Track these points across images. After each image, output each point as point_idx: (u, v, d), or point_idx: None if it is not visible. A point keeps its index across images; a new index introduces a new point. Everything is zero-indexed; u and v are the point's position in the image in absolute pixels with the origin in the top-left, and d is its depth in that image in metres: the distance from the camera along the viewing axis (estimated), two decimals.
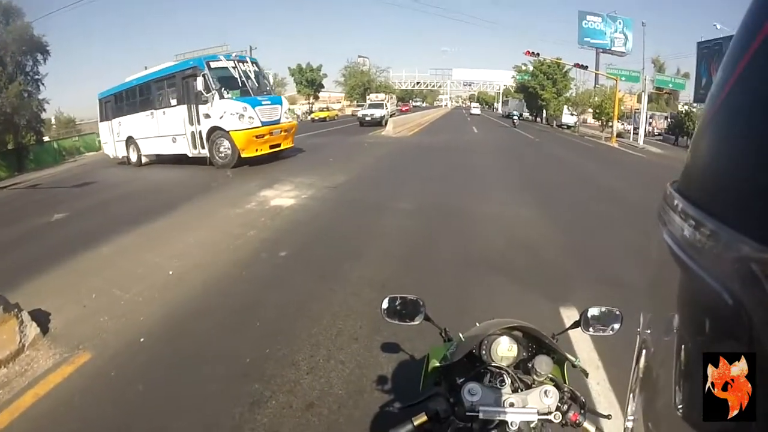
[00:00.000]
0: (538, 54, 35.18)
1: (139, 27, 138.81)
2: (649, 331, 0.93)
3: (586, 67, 31.52)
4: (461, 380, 1.40)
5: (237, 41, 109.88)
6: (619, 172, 14.63)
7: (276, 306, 4.23)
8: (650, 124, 38.84)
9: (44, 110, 37.11)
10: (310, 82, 56.08)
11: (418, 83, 78.67)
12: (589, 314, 1.68)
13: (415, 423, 1.32)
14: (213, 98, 12.41)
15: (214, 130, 12.64)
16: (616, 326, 1.66)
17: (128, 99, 15.73)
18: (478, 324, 1.67)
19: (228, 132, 12.37)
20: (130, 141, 15.78)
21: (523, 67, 52.38)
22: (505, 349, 1.46)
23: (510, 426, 1.27)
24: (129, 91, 15.72)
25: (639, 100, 36.26)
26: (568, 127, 40.06)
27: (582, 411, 1.34)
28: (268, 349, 3.45)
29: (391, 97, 56.10)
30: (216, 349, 3.50)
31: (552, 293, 4.28)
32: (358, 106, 46.05)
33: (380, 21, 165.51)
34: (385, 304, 1.75)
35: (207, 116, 12.62)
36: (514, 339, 1.48)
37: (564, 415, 1.32)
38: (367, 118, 32.36)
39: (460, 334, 1.63)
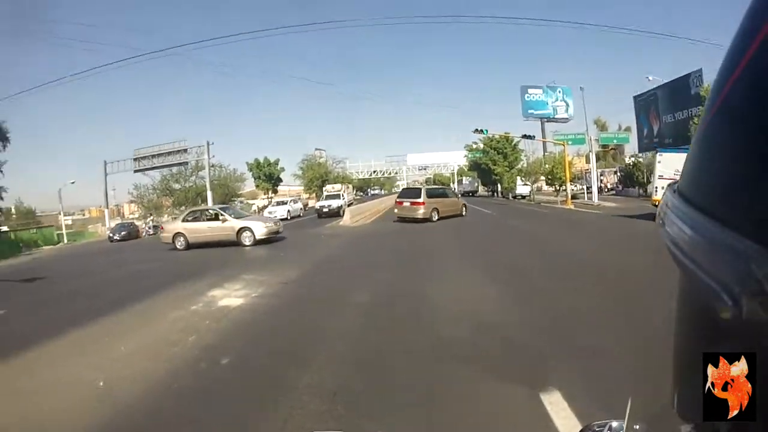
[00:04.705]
0: (482, 131, 36.63)
1: (97, 117, 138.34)
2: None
3: (533, 137, 33.05)
4: None
5: (193, 136, 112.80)
6: (575, 231, 15.65)
7: (210, 426, 3.68)
8: (602, 180, 41.28)
9: (2, 198, 36.40)
10: (268, 177, 55.83)
11: (374, 172, 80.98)
12: None
13: None
14: None
15: None
16: None
17: None
18: None
19: None
20: None
21: (474, 146, 54.85)
22: None
23: None
24: None
25: (587, 161, 37.99)
26: (523, 197, 41.74)
27: None
28: None
29: (348, 187, 56.74)
30: None
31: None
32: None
33: (336, 115, 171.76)
34: None
35: None
36: None
37: None
38: (325, 209, 32.41)
39: None
